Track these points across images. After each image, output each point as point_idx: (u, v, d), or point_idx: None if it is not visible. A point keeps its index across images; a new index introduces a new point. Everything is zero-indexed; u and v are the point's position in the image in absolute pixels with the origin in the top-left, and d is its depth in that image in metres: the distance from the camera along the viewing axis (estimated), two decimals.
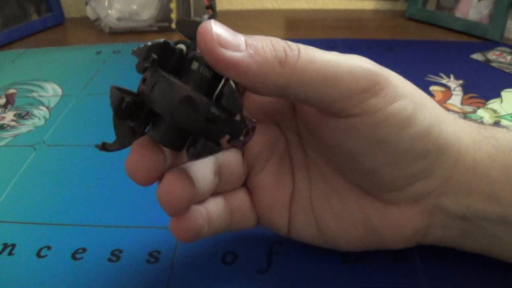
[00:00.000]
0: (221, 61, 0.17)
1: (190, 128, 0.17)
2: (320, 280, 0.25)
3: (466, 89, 0.43)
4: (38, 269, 0.26)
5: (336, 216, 0.23)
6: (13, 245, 0.28)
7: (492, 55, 0.50)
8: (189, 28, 0.18)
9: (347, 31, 0.60)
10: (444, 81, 0.45)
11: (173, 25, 0.60)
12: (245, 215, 0.24)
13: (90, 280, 0.25)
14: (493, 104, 0.41)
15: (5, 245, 0.28)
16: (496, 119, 0.39)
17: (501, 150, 0.21)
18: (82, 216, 0.30)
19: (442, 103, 0.41)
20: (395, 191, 0.22)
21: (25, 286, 0.25)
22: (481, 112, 0.39)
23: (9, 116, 0.43)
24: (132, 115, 0.18)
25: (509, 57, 0.49)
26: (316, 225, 0.24)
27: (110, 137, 0.19)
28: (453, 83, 0.44)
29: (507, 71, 0.46)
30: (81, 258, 0.27)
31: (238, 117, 0.19)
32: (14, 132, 0.40)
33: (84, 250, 0.27)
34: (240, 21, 0.65)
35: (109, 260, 0.26)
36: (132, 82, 0.20)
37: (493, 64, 0.48)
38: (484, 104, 0.41)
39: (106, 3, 0.60)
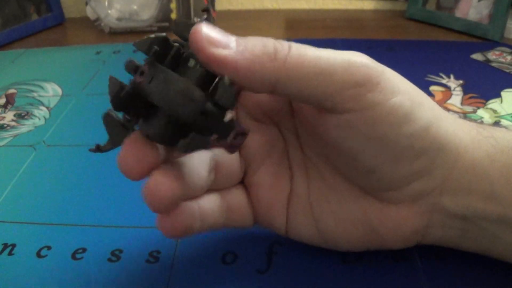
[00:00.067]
0: (212, 58, 0.18)
1: (184, 119, 0.18)
2: (320, 280, 0.25)
3: (466, 89, 0.43)
4: (38, 269, 0.26)
5: (335, 215, 0.23)
6: (13, 245, 0.28)
7: (492, 55, 0.50)
8: (184, 30, 0.19)
9: (347, 31, 0.60)
10: (444, 81, 0.45)
11: (174, 21, 0.60)
12: (242, 213, 0.24)
13: (90, 280, 0.25)
14: (493, 104, 0.41)
15: (5, 245, 0.28)
16: (496, 119, 0.39)
17: (500, 150, 0.21)
18: (82, 216, 0.30)
19: (442, 103, 0.41)
20: (394, 190, 0.22)
21: (25, 286, 0.25)
22: (481, 112, 0.39)
23: (9, 116, 0.43)
24: (127, 106, 0.18)
25: (509, 57, 0.49)
26: (315, 224, 0.24)
27: None
28: (453, 83, 0.44)
29: (507, 71, 0.46)
30: (81, 258, 0.27)
31: (229, 119, 0.19)
32: (14, 132, 0.40)
33: (84, 250, 0.27)
34: (240, 21, 0.65)
35: (109, 260, 0.26)
36: None
37: (493, 64, 0.48)
38: (484, 104, 0.41)
39: (106, 3, 0.60)
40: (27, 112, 0.43)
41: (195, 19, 0.61)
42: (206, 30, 0.18)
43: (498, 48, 0.51)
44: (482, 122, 0.38)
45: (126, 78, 0.19)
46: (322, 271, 0.25)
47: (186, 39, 0.19)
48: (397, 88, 0.20)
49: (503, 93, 0.42)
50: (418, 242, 0.23)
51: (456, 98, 0.42)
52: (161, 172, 0.19)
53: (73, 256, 0.27)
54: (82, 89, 0.46)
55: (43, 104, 0.44)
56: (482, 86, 0.44)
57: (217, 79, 0.19)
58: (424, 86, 0.43)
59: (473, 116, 0.39)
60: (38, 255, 0.27)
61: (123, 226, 0.29)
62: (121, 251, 0.27)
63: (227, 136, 0.19)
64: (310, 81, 0.19)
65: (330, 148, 0.22)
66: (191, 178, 0.21)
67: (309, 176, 0.24)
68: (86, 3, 0.60)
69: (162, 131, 0.18)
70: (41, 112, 0.43)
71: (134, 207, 0.30)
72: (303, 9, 0.70)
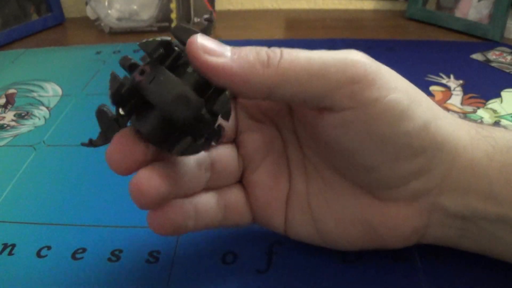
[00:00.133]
0: (206, 65, 0.18)
1: (178, 122, 0.18)
2: (320, 280, 0.25)
3: (466, 89, 0.43)
4: (38, 269, 0.26)
5: (333, 215, 0.23)
6: (13, 245, 0.28)
7: (492, 55, 0.50)
8: (184, 35, 0.19)
9: (347, 31, 0.60)
10: (444, 81, 0.45)
11: (173, 25, 0.60)
12: (239, 212, 0.24)
13: (90, 280, 0.25)
14: (493, 104, 0.41)
15: (5, 245, 0.28)
16: (496, 119, 0.39)
17: (499, 149, 0.21)
18: (82, 216, 0.30)
19: (442, 103, 0.41)
20: (393, 189, 0.22)
21: (25, 286, 0.25)
22: (481, 112, 0.39)
23: (9, 116, 0.43)
24: (125, 102, 0.19)
25: (509, 57, 0.49)
26: (314, 224, 0.24)
27: None
28: (453, 83, 0.44)
29: (507, 71, 0.46)
30: (81, 258, 0.27)
31: (217, 125, 0.20)
32: (14, 132, 0.40)
33: (84, 250, 0.27)
34: (240, 21, 0.65)
35: (109, 260, 0.26)
36: None
37: (493, 64, 0.48)
38: (484, 104, 0.41)
39: (106, 3, 0.60)
40: (27, 112, 0.43)
41: (195, 19, 0.61)
42: (201, 40, 0.18)
43: (498, 48, 0.51)
44: (482, 122, 0.38)
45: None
46: (322, 271, 0.25)
47: (184, 43, 0.19)
48: (394, 85, 0.20)
49: (503, 93, 0.42)
50: (417, 242, 0.23)
51: (456, 98, 0.42)
52: (148, 169, 0.19)
53: (73, 256, 0.27)
54: (82, 89, 0.46)
55: (43, 104, 0.44)
56: (482, 86, 0.44)
57: (212, 89, 0.19)
58: (424, 86, 0.43)
59: (473, 116, 0.39)
60: (38, 255, 0.27)
61: (123, 226, 0.29)
62: (121, 251, 0.27)
63: (212, 140, 0.20)
64: (305, 82, 0.19)
65: (328, 147, 0.22)
66: (183, 177, 0.21)
67: (308, 175, 0.24)
68: (86, 3, 0.60)
69: (154, 129, 0.19)
70: (41, 112, 0.43)
71: (134, 207, 0.30)
72: (303, 9, 0.70)
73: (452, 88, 0.43)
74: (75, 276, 0.25)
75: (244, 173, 0.25)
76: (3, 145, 0.38)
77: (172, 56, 0.19)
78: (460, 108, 0.40)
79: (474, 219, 0.22)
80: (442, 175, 0.21)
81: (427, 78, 0.45)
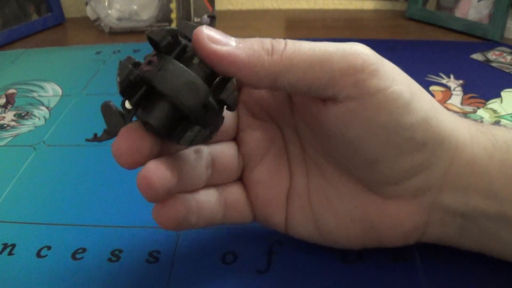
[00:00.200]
0: (212, 53, 0.19)
1: (187, 109, 0.18)
2: (320, 280, 0.25)
3: (466, 89, 0.43)
4: (38, 269, 0.26)
5: (334, 212, 0.23)
6: (13, 245, 0.28)
7: (492, 55, 0.50)
8: (187, 30, 0.20)
9: (347, 31, 0.60)
10: (444, 81, 0.45)
11: (173, 25, 0.60)
12: (240, 209, 0.24)
13: (90, 280, 0.25)
14: (493, 104, 0.41)
15: (5, 245, 0.28)
16: (496, 119, 0.39)
17: (499, 147, 0.22)
18: (82, 216, 0.30)
19: (442, 103, 0.41)
20: (394, 184, 0.22)
21: (25, 286, 0.25)
22: (481, 112, 0.39)
23: (9, 116, 0.43)
24: (133, 92, 0.19)
25: (509, 57, 0.49)
26: (314, 221, 0.24)
27: None
28: (453, 83, 0.44)
29: (507, 71, 0.46)
30: (81, 258, 0.27)
31: (221, 116, 0.20)
32: (14, 132, 0.40)
33: (84, 250, 0.27)
34: (240, 21, 0.65)
35: (109, 260, 0.26)
36: None
37: (493, 64, 0.48)
38: (484, 104, 0.41)
39: (106, 3, 0.60)
40: (27, 112, 0.43)
41: (195, 19, 0.61)
42: (207, 30, 0.19)
43: (498, 48, 0.51)
44: (482, 122, 0.38)
45: None
46: (322, 271, 0.25)
47: (189, 39, 0.20)
48: (397, 77, 0.20)
49: (503, 93, 0.42)
50: (417, 240, 0.23)
51: (456, 98, 0.42)
52: (156, 161, 0.20)
53: (73, 256, 0.27)
54: (82, 89, 0.46)
55: (43, 104, 0.44)
56: (482, 86, 0.44)
57: (218, 78, 0.20)
58: (424, 86, 0.42)
59: (473, 116, 0.39)
60: (38, 255, 0.27)
61: (123, 226, 0.29)
62: (121, 251, 0.27)
63: (216, 130, 0.20)
64: (309, 70, 0.19)
65: (331, 140, 0.22)
66: (187, 171, 0.21)
67: (308, 173, 0.24)
68: (86, 3, 0.60)
69: (162, 119, 0.19)
70: (41, 112, 0.43)
71: (134, 207, 0.30)
72: (303, 9, 0.70)
73: (452, 88, 0.43)
74: (75, 276, 0.25)
75: (244, 171, 0.25)
76: (3, 145, 0.38)
77: (178, 48, 0.19)
78: (460, 108, 0.40)
79: (474, 217, 0.22)
80: (443, 171, 0.21)
81: (427, 78, 0.45)
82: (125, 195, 0.31)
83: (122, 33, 0.61)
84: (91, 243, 0.28)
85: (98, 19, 0.61)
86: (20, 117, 0.42)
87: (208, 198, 0.23)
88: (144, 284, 0.25)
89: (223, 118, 0.20)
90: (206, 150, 0.23)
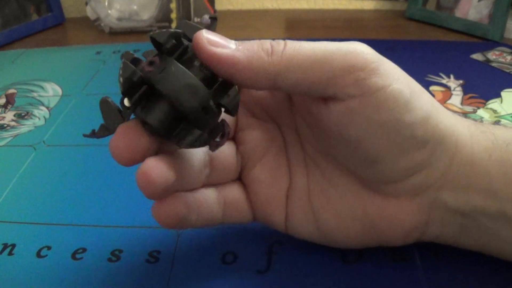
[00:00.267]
0: (213, 56, 0.19)
1: (186, 111, 0.19)
2: (320, 280, 0.25)
3: (466, 89, 0.43)
4: (38, 269, 0.26)
5: (334, 211, 0.23)
6: (13, 245, 0.28)
7: (492, 55, 0.50)
8: (189, 30, 0.20)
9: (347, 31, 0.60)
10: (444, 81, 0.45)
11: (173, 25, 0.60)
12: (240, 209, 0.24)
13: (90, 280, 0.25)
14: (493, 104, 0.41)
15: (5, 245, 0.28)
16: (496, 119, 0.39)
17: (498, 145, 0.22)
18: (82, 216, 0.30)
19: (442, 103, 0.41)
20: (395, 183, 0.22)
21: (25, 286, 0.25)
22: (481, 112, 0.39)
23: (9, 116, 0.43)
24: (133, 92, 0.19)
25: (509, 57, 0.49)
26: (314, 220, 0.24)
27: (110, 136, 0.20)
28: (453, 83, 0.44)
29: (507, 71, 0.46)
30: (81, 258, 0.27)
31: (221, 120, 0.20)
32: (14, 132, 0.40)
33: (84, 250, 0.27)
34: (240, 21, 0.65)
35: (109, 260, 0.26)
36: None
37: (493, 64, 0.48)
38: (484, 104, 0.41)
39: (106, 3, 0.60)
40: (27, 112, 0.43)
41: (195, 19, 0.61)
42: (207, 34, 0.19)
43: (498, 48, 0.51)
44: (482, 122, 0.38)
45: None
46: (322, 271, 0.25)
47: (189, 39, 0.20)
48: (397, 75, 0.20)
49: (503, 93, 0.42)
50: (418, 239, 0.23)
51: (456, 98, 0.42)
52: (155, 158, 0.20)
53: (73, 256, 0.27)
54: (82, 89, 0.46)
55: (43, 104, 0.44)
56: (482, 86, 0.44)
57: (218, 84, 0.20)
58: (424, 86, 0.42)
59: (473, 116, 0.39)
60: (38, 255, 0.27)
61: (123, 226, 0.29)
62: (121, 251, 0.27)
63: (216, 135, 0.20)
64: (309, 69, 0.19)
65: (331, 139, 0.22)
66: (185, 169, 0.21)
67: (308, 172, 0.24)
68: (86, 3, 0.60)
69: (161, 120, 0.19)
70: (41, 112, 0.43)
71: (134, 207, 0.30)
72: (303, 9, 0.70)
73: (452, 88, 0.43)
74: (75, 276, 0.25)
75: (243, 171, 0.25)
76: (3, 145, 0.38)
77: (179, 50, 0.19)
78: (460, 108, 0.40)
79: (474, 215, 0.22)
80: (442, 170, 0.21)
81: (427, 78, 0.45)
82: (125, 195, 0.31)
83: (122, 33, 0.61)
84: (91, 243, 0.28)
85: (98, 19, 0.61)
86: (20, 117, 0.42)
87: (207, 197, 0.23)
88: (144, 284, 0.25)
89: (225, 124, 0.20)
90: (203, 149, 0.23)
